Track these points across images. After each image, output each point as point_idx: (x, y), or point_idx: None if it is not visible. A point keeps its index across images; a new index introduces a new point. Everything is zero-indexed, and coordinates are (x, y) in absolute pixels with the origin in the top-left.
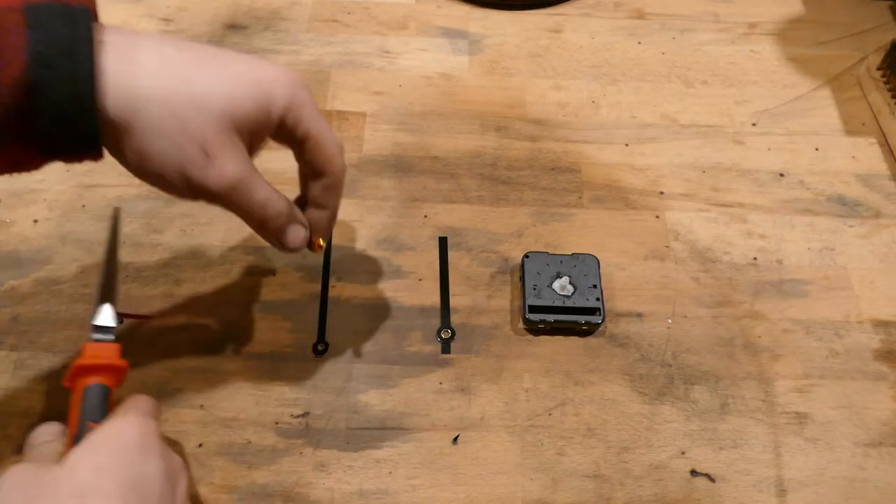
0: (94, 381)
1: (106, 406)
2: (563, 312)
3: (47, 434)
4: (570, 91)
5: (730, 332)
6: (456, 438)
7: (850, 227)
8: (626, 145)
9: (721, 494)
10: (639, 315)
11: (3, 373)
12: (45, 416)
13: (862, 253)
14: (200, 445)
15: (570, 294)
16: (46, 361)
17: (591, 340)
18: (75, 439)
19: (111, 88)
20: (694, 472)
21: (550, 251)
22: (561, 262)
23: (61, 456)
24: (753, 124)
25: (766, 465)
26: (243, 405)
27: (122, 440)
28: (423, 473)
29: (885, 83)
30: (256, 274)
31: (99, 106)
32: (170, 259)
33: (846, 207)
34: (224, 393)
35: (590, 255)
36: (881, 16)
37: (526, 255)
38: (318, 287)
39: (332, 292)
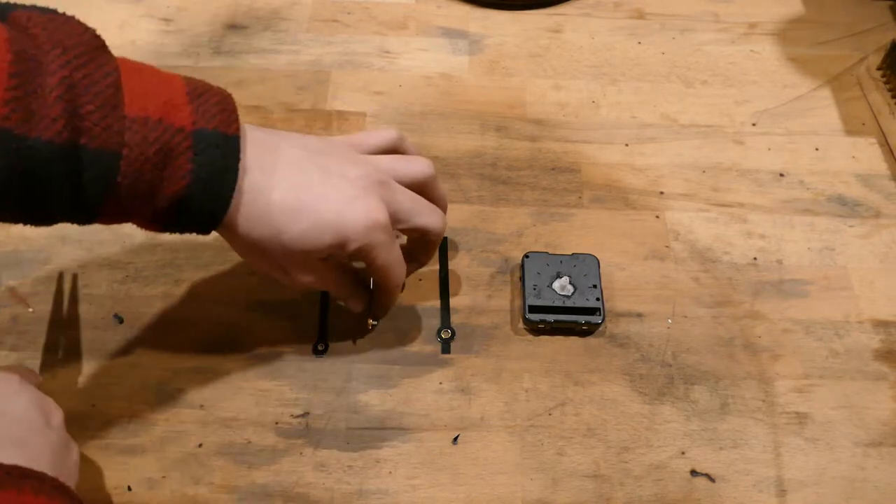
0: None
1: None
2: (563, 312)
3: None
4: (570, 91)
5: (730, 332)
6: (456, 438)
7: (850, 227)
8: (626, 145)
9: (721, 494)
10: (639, 315)
11: None
12: None
13: (862, 253)
14: (200, 445)
15: (570, 294)
16: (47, 361)
17: (591, 340)
18: None
19: (233, 219)
20: (694, 472)
21: (550, 251)
22: (561, 262)
23: None
24: (753, 124)
25: (766, 465)
26: (243, 405)
27: None
28: (423, 473)
29: (885, 83)
30: (256, 274)
31: (223, 220)
32: (170, 259)
33: (846, 207)
34: (224, 393)
35: (590, 255)
36: (881, 16)
37: (526, 255)
38: None
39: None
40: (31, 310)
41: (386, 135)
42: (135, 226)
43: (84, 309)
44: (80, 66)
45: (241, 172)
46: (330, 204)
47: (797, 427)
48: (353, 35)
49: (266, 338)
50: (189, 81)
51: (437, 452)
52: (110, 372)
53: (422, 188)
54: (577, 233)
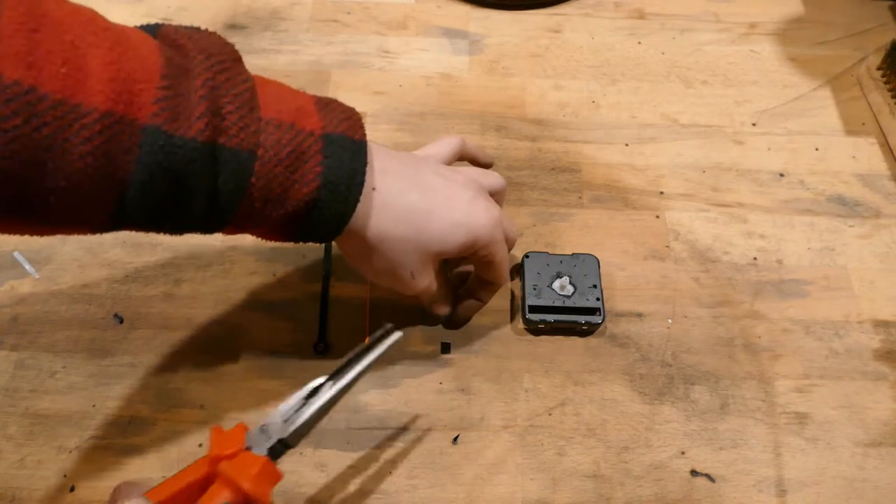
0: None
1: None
2: (564, 312)
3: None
4: (570, 91)
5: (730, 332)
6: (456, 438)
7: (850, 226)
8: (627, 145)
9: (721, 494)
10: (639, 315)
11: (3, 373)
12: (46, 417)
13: (862, 253)
14: (200, 445)
15: (570, 294)
16: (46, 361)
17: (591, 340)
18: None
19: (368, 220)
20: (694, 472)
21: (550, 251)
22: (561, 262)
23: None
24: (753, 124)
25: (766, 465)
26: (243, 405)
27: None
28: (423, 473)
29: (886, 83)
30: (256, 274)
31: (350, 224)
32: (170, 259)
33: (846, 207)
34: (224, 393)
35: (590, 255)
36: (881, 16)
37: (526, 255)
38: (318, 287)
39: (332, 292)
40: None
41: (452, 142)
42: (257, 237)
43: (84, 309)
44: (222, 71)
45: (369, 175)
46: (457, 205)
47: (797, 427)
48: (353, 35)
49: (266, 338)
50: (315, 96)
51: (437, 452)
52: (110, 372)
53: (498, 200)
54: (577, 233)
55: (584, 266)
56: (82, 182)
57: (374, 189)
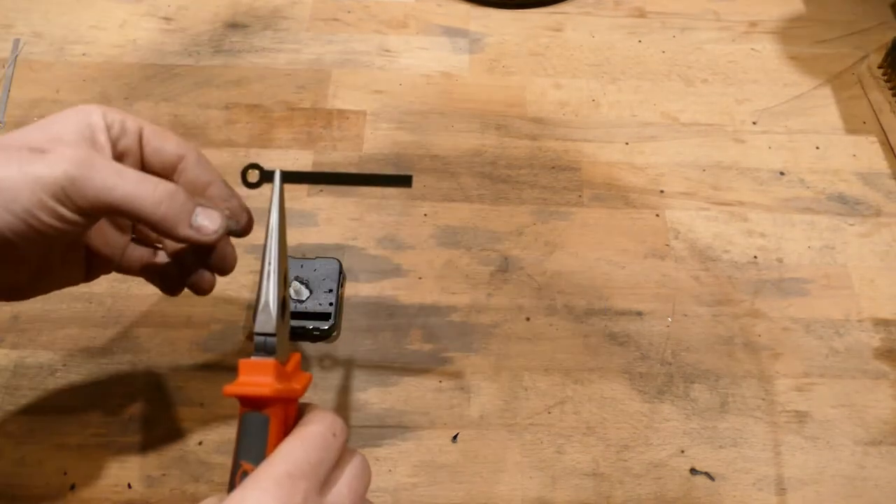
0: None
1: (265, 440)
2: (293, 317)
3: None
4: (571, 90)
5: (730, 331)
6: (455, 437)
7: (851, 225)
8: (627, 144)
9: (720, 493)
10: (639, 313)
11: (3, 371)
12: (45, 416)
13: (862, 251)
14: (200, 443)
15: (304, 298)
16: (46, 360)
17: (590, 339)
18: (230, 480)
19: None
20: (693, 471)
21: (550, 250)
22: (302, 266)
23: None
24: (754, 123)
25: (766, 463)
26: None
27: None
28: (422, 472)
29: (886, 81)
30: (256, 272)
31: None
32: None
33: (846, 206)
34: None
35: (333, 258)
36: (882, 14)
37: None
38: None
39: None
40: None
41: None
42: None
43: (84, 307)
44: None
45: None
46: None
47: (797, 426)
48: (354, 34)
49: None
50: None
51: (436, 451)
52: (110, 370)
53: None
54: (577, 231)
55: (324, 270)
56: None
57: None
